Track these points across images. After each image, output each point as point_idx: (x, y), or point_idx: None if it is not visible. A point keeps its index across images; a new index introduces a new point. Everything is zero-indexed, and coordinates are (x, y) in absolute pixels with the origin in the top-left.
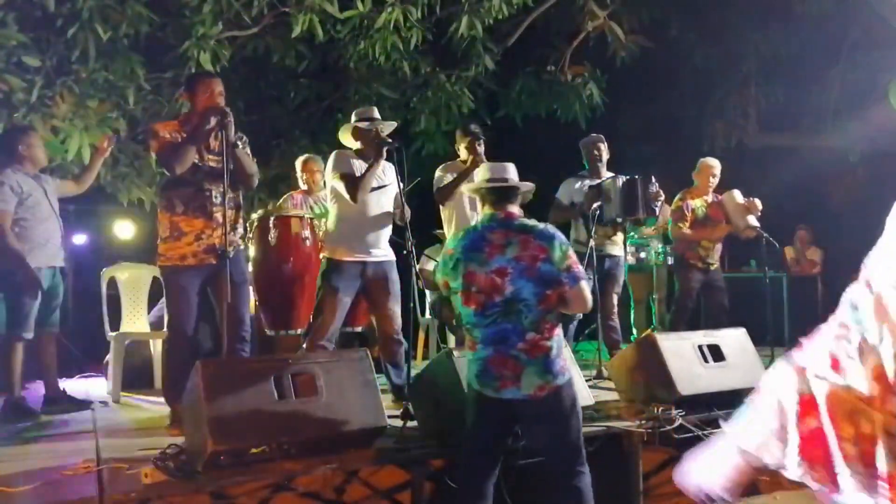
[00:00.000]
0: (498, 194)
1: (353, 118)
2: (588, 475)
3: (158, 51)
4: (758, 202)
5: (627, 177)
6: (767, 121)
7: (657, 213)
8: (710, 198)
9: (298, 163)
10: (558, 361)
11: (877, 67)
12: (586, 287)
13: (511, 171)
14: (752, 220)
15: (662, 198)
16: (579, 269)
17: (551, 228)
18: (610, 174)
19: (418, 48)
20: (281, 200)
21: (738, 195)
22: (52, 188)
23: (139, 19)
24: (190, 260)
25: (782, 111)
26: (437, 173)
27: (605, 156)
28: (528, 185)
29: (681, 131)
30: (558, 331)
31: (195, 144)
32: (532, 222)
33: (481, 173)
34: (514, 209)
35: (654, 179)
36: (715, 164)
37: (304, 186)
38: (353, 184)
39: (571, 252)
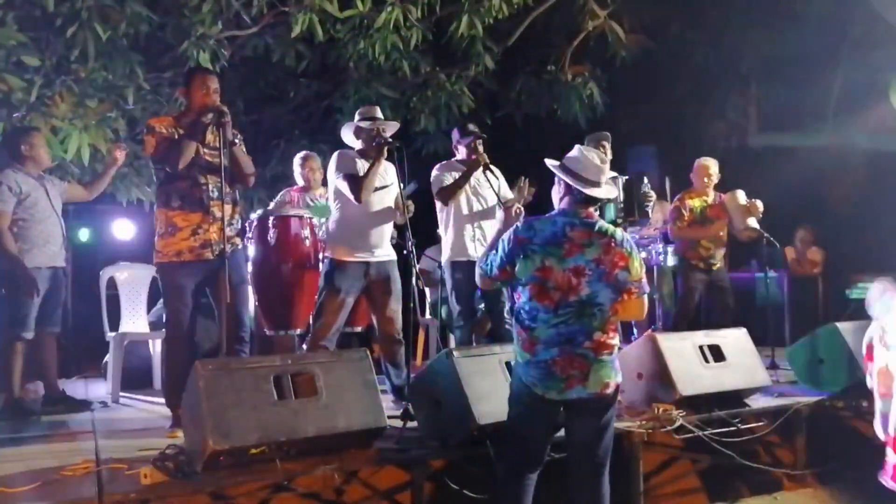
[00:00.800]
0: (588, 196)
1: (357, 117)
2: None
3: (158, 50)
4: (759, 204)
5: (624, 177)
6: (768, 120)
7: (649, 214)
8: (710, 197)
9: (297, 159)
10: (617, 359)
11: (877, 67)
12: (646, 299)
13: (605, 174)
14: (753, 223)
15: (654, 198)
16: (646, 281)
17: (630, 239)
18: (612, 174)
19: (418, 48)
20: (278, 197)
21: (740, 196)
22: (55, 189)
23: (138, 19)
24: (186, 255)
25: (783, 111)
26: (435, 173)
27: (609, 155)
28: (615, 193)
29: (681, 131)
30: (618, 329)
31: (195, 140)
32: (612, 228)
33: (576, 161)
34: (593, 209)
35: (646, 180)
36: (710, 164)
37: (302, 183)
38: (357, 184)
39: (643, 265)
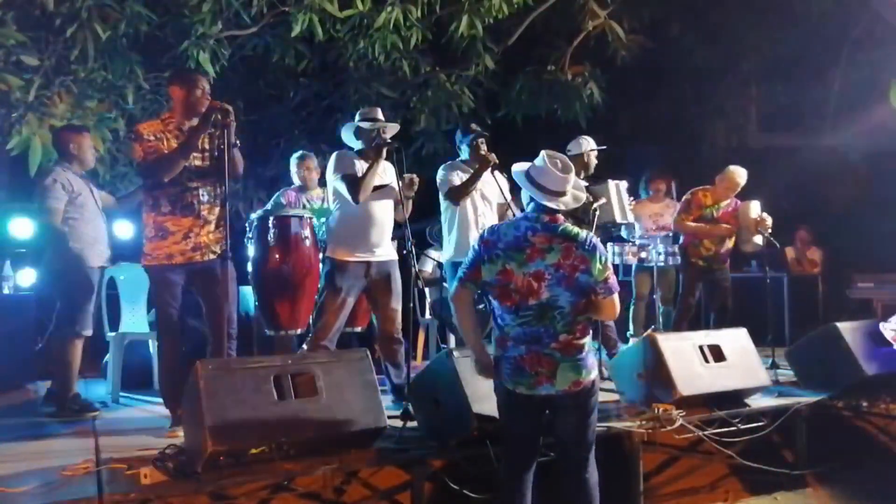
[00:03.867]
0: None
1: (357, 118)
2: (596, 474)
3: (157, 50)
4: (768, 220)
5: (619, 181)
6: (768, 120)
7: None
8: (726, 202)
9: (294, 159)
10: (590, 357)
11: (877, 66)
12: (617, 298)
13: (570, 182)
14: (758, 240)
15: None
16: (614, 280)
17: (594, 239)
18: (583, 183)
19: (418, 47)
20: (275, 196)
21: (754, 208)
22: (97, 191)
23: (138, 18)
24: (178, 258)
25: (783, 111)
26: (441, 173)
27: (594, 162)
28: (582, 200)
29: (681, 131)
30: (590, 328)
31: (186, 157)
32: (575, 230)
33: (540, 171)
34: (560, 215)
35: (626, 184)
36: (740, 181)
37: (298, 183)
38: (356, 185)
39: (609, 263)
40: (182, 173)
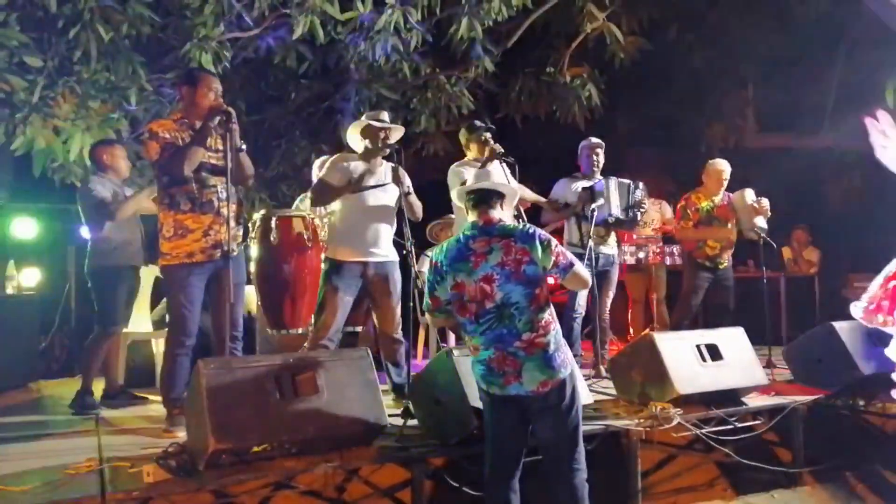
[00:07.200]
0: (476, 200)
1: (364, 117)
2: (585, 473)
3: (160, 52)
4: (766, 204)
5: (620, 179)
6: (765, 121)
7: (638, 219)
8: (719, 197)
9: (317, 163)
10: (558, 356)
11: (875, 67)
12: (580, 269)
13: (491, 174)
14: (760, 223)
15: (647, 206)
16: (566, 257)
17: (531, 228)
18: (599, 177)
19: (418, 49)
20: (298, 200)
21: (748, 195)
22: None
23: (141, 20)
24: (199, 256)
25: (780, 112)
26: (453, 170)
27: (602, 160)
28: (511, 189)
29: (679, 132)
30: (555, 326)
31: (202, 145)
32: (511, 225)
33: (468, 181)
34: (495, 214)
35: (641, 186)
36: (724, 169)
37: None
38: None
39: (554, 245)
40: (200, 171)
